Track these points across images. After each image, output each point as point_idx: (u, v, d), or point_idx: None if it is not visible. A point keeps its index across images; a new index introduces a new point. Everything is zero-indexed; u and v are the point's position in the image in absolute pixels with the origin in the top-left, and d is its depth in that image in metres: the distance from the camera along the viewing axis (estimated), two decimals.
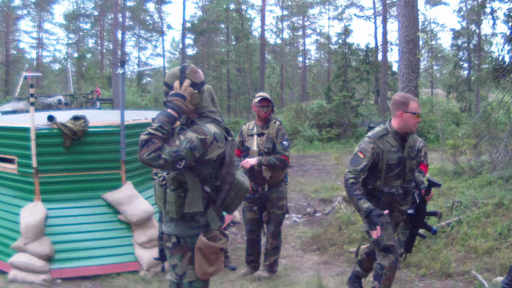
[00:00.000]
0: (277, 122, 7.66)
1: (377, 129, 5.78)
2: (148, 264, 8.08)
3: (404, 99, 5.64)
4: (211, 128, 4.09)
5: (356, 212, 10.43)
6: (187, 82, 4.08)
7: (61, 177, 8.54)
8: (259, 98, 7.47)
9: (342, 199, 12.64)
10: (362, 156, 5.51)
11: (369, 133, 5.72)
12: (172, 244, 4.28)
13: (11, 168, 8.94)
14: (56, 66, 60.87)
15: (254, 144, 7.50)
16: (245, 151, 7.56)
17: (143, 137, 3.84)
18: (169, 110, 3.98)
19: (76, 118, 8.52)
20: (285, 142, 7.49)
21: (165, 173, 4.28)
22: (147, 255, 8.12)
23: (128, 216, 8.35)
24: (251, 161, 7.25)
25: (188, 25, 46.41)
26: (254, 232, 7.80)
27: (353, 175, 5.41)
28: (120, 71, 9.15)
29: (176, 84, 4.09)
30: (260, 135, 7.52)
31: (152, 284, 7.70)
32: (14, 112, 19.28)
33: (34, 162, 8.33)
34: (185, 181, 4.11)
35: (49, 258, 7.97)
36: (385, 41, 39.10)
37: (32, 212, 8.16)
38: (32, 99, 8.52)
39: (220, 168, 4.24)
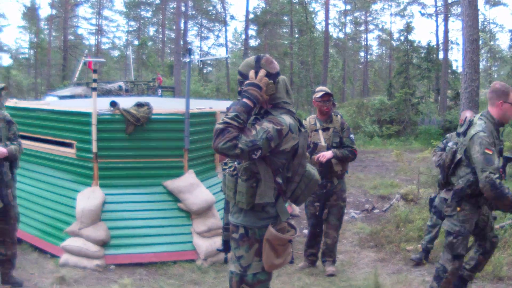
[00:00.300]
0: (339, 116, 7.69)
1: (478, 121, 5.58)
2: (205, 254, 8.11)
3: (506, 89, 5.49)
4: (287, 119, 4.05)
5: (414, 211, 10.51)
6: (262, 72, 4.04)
7: (121, 163, 8.61)
8: (321, 93, 7.47)
9: (400, 197, 12.55)
10: (491, 152, 5.29)
11: (479, 127, 5.46)
12: (239, 235, 4.25)
13: (69, 152, 9.03)
14: (116, 53, 61.83)
15: (321, 139, 7.47)
16: (313, 146, 7.49)
17: (218, 126, 3.81)
18: (244, 100, 3.94)
19: (139, 105, 8.57)
20: (352, 136, 7.60)
21: (236, 163, 4.25)
22: (206, 245, 8.17)
23: (189, 205, 8.37)
24: (327, 154, 7.26)
25: (251, 16, 46.59)
26: (316, 226, 7.80)
27: (496, 174, 5.20)
28: (186, 59, 9.18)
29: (252, 73, 4.05)
30: (325, 129, 7.50)
31: (208, 273, 7.75)
32: (72, 97, 19.56)
33: (94, 147, 8.40)
34: (258, 171, 4.07)
35: (104, 244, 8.04)
36: (446, 40, 38.54)
37: (89, 197, 8.23)
38: (94, 84, 8.70)
39: (292, 159, 4.20)
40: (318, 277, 7.51)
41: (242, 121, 3.85)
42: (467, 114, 7.80)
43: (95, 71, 9.31)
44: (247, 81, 4.04)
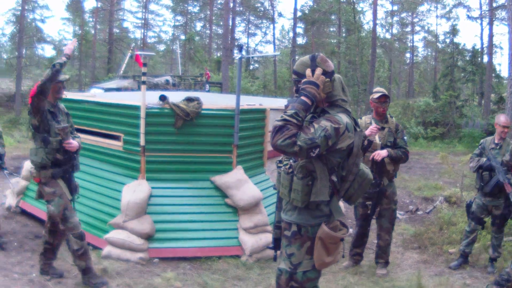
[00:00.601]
0: (393, 118, 7.78)
1: None
2: (251, 250, 8.15)
3: None
4: (344, 117, 4.06)
5: (457, 214, 10.65)
6: (319, 70, 4.04)
7: (168, 157, 8.68)
8: (378, 94, 7.49)
9: (444, 199, 12.56)
10: None
11: None
12: (291, 233, 4.26)
13: (116, 145, 9.15)
14: (161, 47, 62.31)
15: (376, 137, 7.48)
16: (367, 144, 7.51)
17: (277, 123, 3.82)
18: (303, 98, 3.93)
19: (189, 100, 8.63)
20: (405, 138, 7.68)
21: (291, 160, 4.26)
22: (251, 241, 8.22)
23: (236, 201, 8.42)
24: (382, 153, 7.32)
25: (299, 14, 46.56)
26: (364, 227, 7.91)
27: None
28: (238, 56, 9.21)
29: (308, 72, 4.05)
30: (380, 129, 7.50)
31: (253, 270, 7.78)
32: (118, 89, 19.73)
33: (142, 140, 8.48)
34: (314, 169, 4.08)
35: (148, 237, 8.09)
36: (490, 44, 38.07)
37: (135, 190, 8.28)
38: (144, 78, 8.70)
39: (347, 158, 4.20)
40: (362, 277, 7.57)
41: (301, 118, 3.85)
42: (502, 118, 7.94)
43: (144, 65, 9.35)
44: (304, 79, 4.04)
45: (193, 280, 7.34)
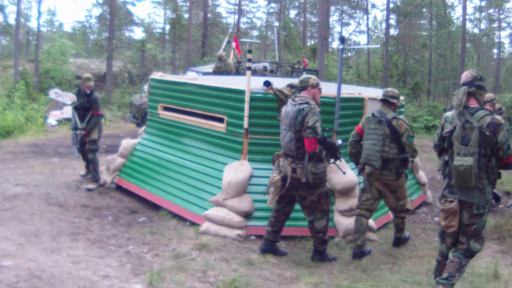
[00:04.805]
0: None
1: None
2: (344, 231, 8.78)
3: None
4: None
5: None
6: None
7: (270, 139, 9.34)
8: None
9: None
10: None
11: None
12: None
13: (219, 126, 9.90)
14: (255, 33, 63.06)
15: None
16: None
17: None
18: None
19: (291, 86, 9.26)
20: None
21: None
22: (346, 223, 8.82)
23: (334, 184, 9.02)
24: None
25: (391, 6, 46.54)
26: None
27: None
28: (339, 46, 9.82)
29: None
30: None
31: (345, 250, 8.43)
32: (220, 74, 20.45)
33: (245, 123, 9.24)
34: None
35: (247, 215, 8.84)
36: None
37: (236, 170, 9.06)
38: (249, 64, 9.44)
39: None
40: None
41: None
42: None
43: (249, 51, 10.08)
44: None
45: (288, 257, 7.97)
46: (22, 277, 6.21)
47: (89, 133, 11.66)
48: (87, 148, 11.78)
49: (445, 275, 6.25)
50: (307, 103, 7.49)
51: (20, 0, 31.58)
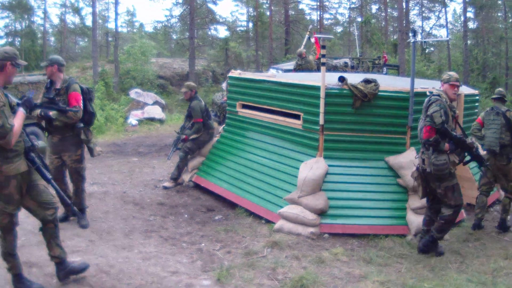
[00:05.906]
0: None
1: None
2: (416, 230, 8.67)
3: None
4: None
5: None
6: None
7: (345, 136, 9.37)
8: None
9: None
10: None
11: None
12: None
13: (296, 123, 9.94)
14: (339, 29, 62.80)
15: None
16: None
17: None
18: None
19: (367, 81, 9.28)
20: None
21: None
22: (418, 221, 8.70)
23: (408, 181, 8.95)
24: None
25: None
26: None
27: None
28: (411, 40, 9.77)
29: None
30: None
31: (416, 249, 8.28)
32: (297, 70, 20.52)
33: (321, 119, 9.24)
34: None
35: (322, 213, 8.83)
36: None
37: (312, 167, 9.07)
38: (324, 60, 9.48)
39: None
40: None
41: None
42: None
43: (323, 47, 10.11)
44: None
45: (359, 256, 7.94)
46: (89, 272, 6.41)
47: (189, 139, 11.91)
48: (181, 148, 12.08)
49: None
50: (438, 95, 7.80)
51: (95, 2, 32.31)
